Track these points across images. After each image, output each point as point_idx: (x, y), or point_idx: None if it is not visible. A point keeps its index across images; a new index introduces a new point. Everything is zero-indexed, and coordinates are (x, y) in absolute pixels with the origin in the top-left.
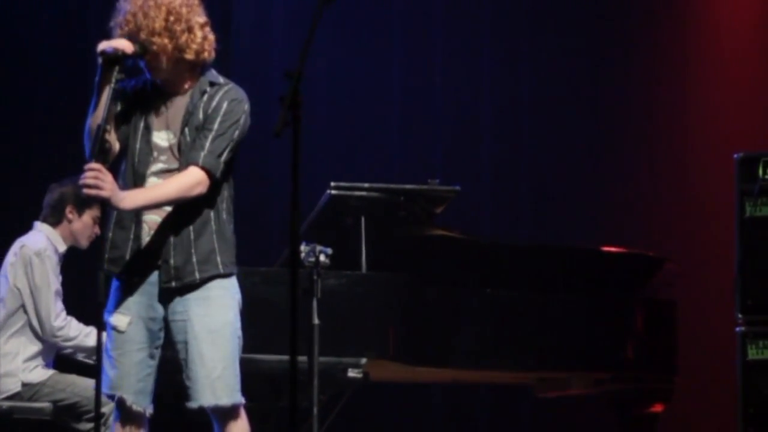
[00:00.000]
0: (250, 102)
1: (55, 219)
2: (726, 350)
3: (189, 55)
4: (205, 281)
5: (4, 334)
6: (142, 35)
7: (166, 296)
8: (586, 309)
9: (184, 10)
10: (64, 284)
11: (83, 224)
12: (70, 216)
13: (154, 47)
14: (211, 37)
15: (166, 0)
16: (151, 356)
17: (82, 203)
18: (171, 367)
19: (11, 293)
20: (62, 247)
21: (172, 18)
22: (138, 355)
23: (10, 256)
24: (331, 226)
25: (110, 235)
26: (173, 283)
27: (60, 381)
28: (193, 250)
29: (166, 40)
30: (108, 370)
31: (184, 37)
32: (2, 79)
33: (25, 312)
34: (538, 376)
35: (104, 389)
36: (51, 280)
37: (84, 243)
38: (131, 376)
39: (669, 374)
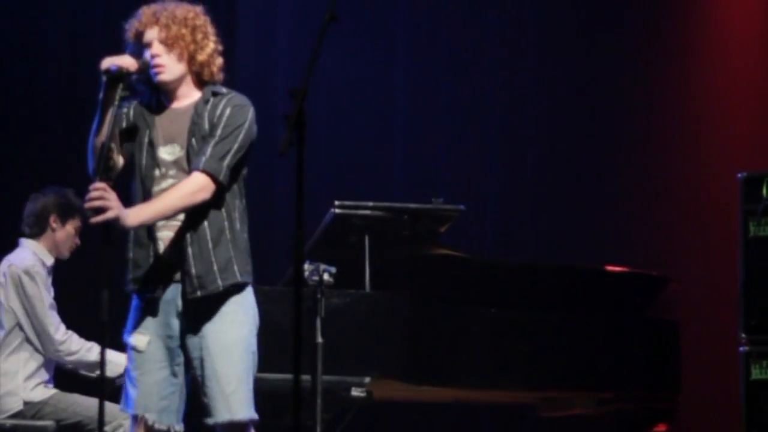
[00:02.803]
0: (255, 120)
1: (39, 229)
2: (729, 370)
3: (201, 56)
4: (227, 289)
5: (2, 354)
6: (163, 20)
7: (184, 310)
8: (589, 328)
9: (201, 20)
10: (65, 303)
11: (66, 234)
12: (54, 225)
13: (172, 33)
14: (220, 60)
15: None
16: (174, 374)
17: (66, 213)
18: (195, 386)
19: (6, 313)
20: (49, 260)
21: (191, 15)
22: (159, 373)
23: None
24: (335, 244)
25: (131, 255)
26: (198, 293)
27: (62, 400)
28: (213, 259)
29: (184, 30)
30: (130, 390)
31: (200, 36)
32: (6, 92)
33: (22, 329)
34: (541, 396)
35: (128, 409)
36: (44, 296)
37: (66, 253)
38: (153, 395)
39: (672, 394)
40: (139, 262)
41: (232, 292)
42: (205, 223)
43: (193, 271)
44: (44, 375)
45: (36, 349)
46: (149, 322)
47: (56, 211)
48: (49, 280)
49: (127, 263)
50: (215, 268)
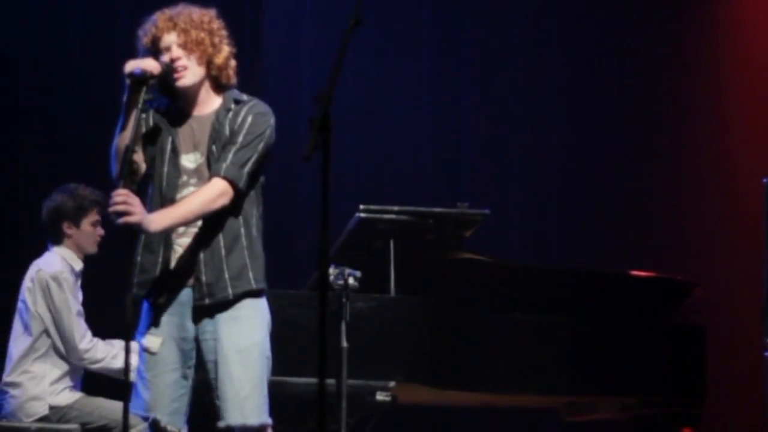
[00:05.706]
0: (280, 125)
1: (57, 237)
2: (754, 375)
3: (218, 60)
4: (238, 297)
5: (30, 358)
6: (182, 24)
7: (197, 315)
8: (614, 333)
9: (217, 23)
10: (91, 307)
11: (84, 233)
12: (68, 231)
13: (192, 37)
14: (234, 63)
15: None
16: (185, 376)
17: (78, 213)
18: (202, 389)
19: (34, 319)
20: (78, 265)
21: (207, 18)
22: (171, 375)
23: (27, 281)
24: (360, 249)
25: (139, 259)
26: (206, 300)
27: (87, 404)
28: (224, 266)
29: (203, 35)
30: (142, 392)
31: (217, 39)
32: (30, 93)
33: (49, 336)
34: (566, 401)
35: (139, 411)
36: (71, 303)
37: (92, 249)
38: (165, 397)
39: (697, 399)
40: (146, 266)
41: (247, 296)
42: (220, 230)
43: (204, 278)
44: (71, 380)
45: (62, 356)
46: (163, 323)
47: (67, 216)
48: (78, 285)
49: (133, 267)
50: (226, 276)
